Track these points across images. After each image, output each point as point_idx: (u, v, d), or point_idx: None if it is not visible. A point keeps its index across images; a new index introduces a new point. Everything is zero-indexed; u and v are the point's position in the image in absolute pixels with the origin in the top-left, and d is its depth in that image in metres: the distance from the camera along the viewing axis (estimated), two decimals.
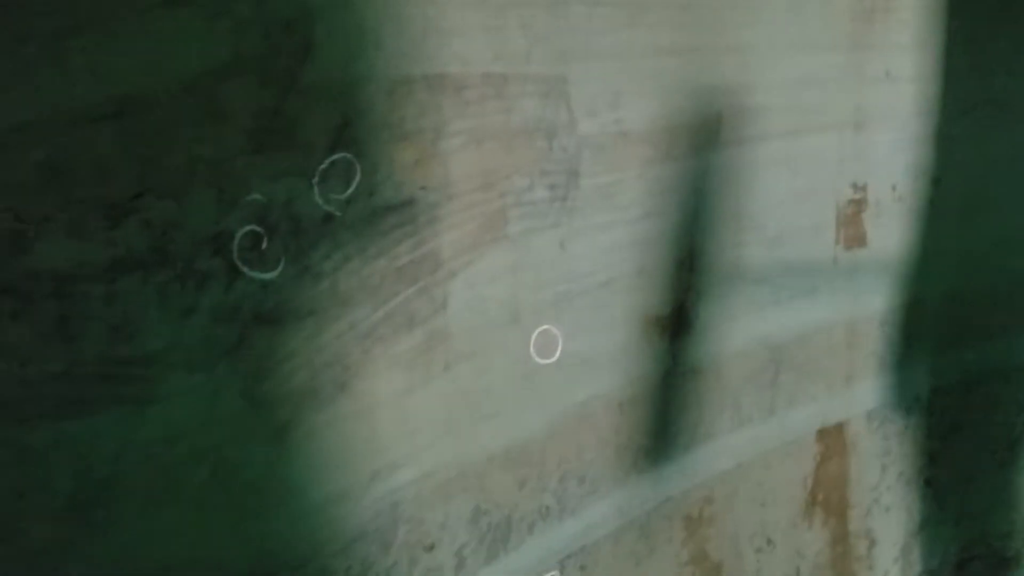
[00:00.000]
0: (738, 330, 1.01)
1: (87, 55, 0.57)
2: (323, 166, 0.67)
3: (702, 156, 0.93)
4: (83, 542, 0.59)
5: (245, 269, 0.65)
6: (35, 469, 0.58)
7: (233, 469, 0.66)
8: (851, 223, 1.09)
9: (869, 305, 1.13)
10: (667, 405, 0.94)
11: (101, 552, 0.60)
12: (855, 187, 1.08)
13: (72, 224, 0.58)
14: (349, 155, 0.69)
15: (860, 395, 1.15)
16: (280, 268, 0.67)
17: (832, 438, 1.13)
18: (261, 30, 0.64)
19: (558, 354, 0.86)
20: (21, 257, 0.56)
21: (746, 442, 1.05)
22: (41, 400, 0.58)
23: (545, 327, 0.84)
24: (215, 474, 0.65)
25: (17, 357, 0.57)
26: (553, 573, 0.89)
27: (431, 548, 0.80)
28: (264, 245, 0.66)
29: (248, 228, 0.65)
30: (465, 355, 0.79)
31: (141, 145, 0.60)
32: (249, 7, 0.63)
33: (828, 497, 1.15)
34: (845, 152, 1.06)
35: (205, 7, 0.61)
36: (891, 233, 1.13)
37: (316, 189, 0.67)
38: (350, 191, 0.69)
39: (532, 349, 0.84)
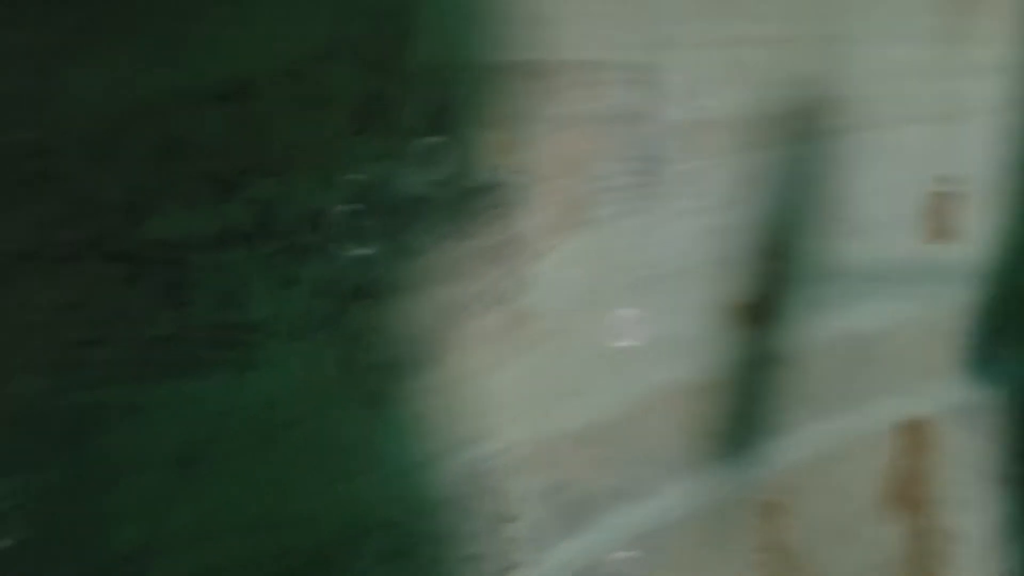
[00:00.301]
0: (822, 321, 1.01)
1: (202, 42, 0.61)
2: (419, 149, 0.70)
3: (790, 146, 0.93)
4: (187, 493, 0.64)
5: (343, 245, 0.68)
6: (148, 424, 0.62)
7: (327, 432, 0.70)
8: (940, 215, 1.08)
9: (956, 299, 1.11)
10: (747, 393, 0.95)
11: (204, 502, 0.65)
12: (944, 179, 1.07)
13: (184, 198, 0.62)
14: (445, 138, 0.72)
15: (944, 390, 1.14)
16: (376, 245, 0.70)
17: (914, 432, 1.12)
18: (364, 18, 0.67)
19: (639, 338, 0.87)
20: (137, 227, 0.60)
21: (826, 434, 1.05)
22: (154, 361, 0.62)
23: (627, 311, 0.86)
24: (310, 436, 0.69)
25: (132, 320, 0.61)
26: (628, 552, 0.91)
27: (511, 520, 0.83)
28: (362, 223, 0.69)
29: (347, 206, 0.68)
30: (548, 335, 0.81)
31: (249, 126, 0.64)
32: None
33: (908, 491, 1.14)
34: (935, 144, 1.05)
35: None
36: (981, 226, 1.11)
37: (412, 171, 0.70)
38: (444, 173, 0.72)
39: (613, 332, 0.85)
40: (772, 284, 0.96)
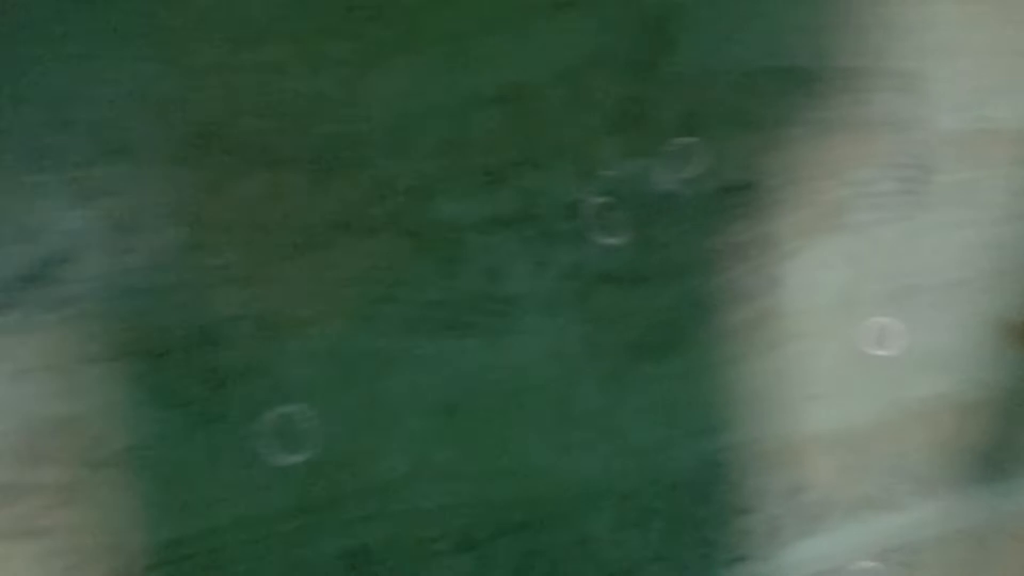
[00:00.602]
0: None
1: (486, 53, 0.72)
2: (671, 148, 0.76)
3: None
4: (448, 435, 0.74)
5: (595, 234, 0.76)
6: (420, 373, 0.73)
7: (569, 402, 0.78)
8: None
9: None
10: (1013, 416, 0.90)
11: (461, 445, 0.75)
12: None
13: (464, 185, 0.73)
14: (696, 139, 0.77)
15: None
16: (625, 235, 0.77)
17: None
18: (630, 28, 0.74)
19: (898, 347, 0.86)
20: (425, 208, 0.72)
21: None
22: (429, 320, 0.73)
23: (884, 319, 0.85)
24: (554, 403, 0.77)
25: (415, 285, 0.73)
26: (872, 563, 0.90)
27: (746, 512, 0.86)
28: (613, 214, 0.76)
29: (601, 199, 0.75)
30: (794, 335, 0.83)
31: (521, 125, 0.73)
32: (620, 7, 0.74)
33: None
34: None
35: (582, 8, 0.73)
36: None
37: (663, 168, 0.77)
38: (694, 171, 0.77)
39: (867, 339, 0.85)
40: None
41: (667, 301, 0.79)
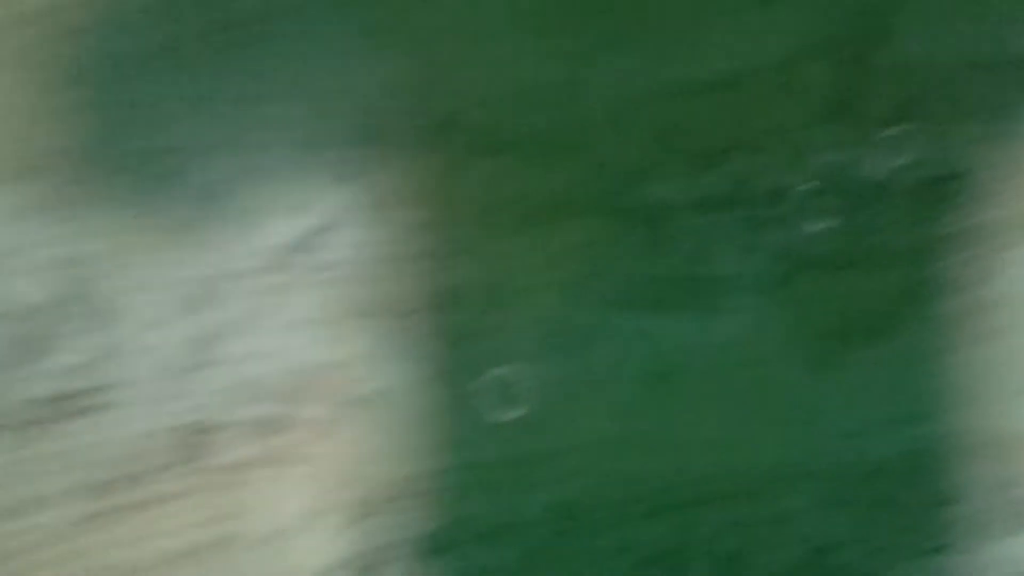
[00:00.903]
0: None
1: (701, 42, 0.76)
2: (882, 137, 0.77)
3: None
4: (649, 405, 0.79)
5: (803, 219, 0.78)
6: (625, 346, 0.79)
7: (772, 381, 0.80)
8: None
9: None
10: None
11: (665, 415, 0.79)
12: None
13: (675, 168, 0.77)
14: (913, 127, 0.78)
15: None
16: (834, 222, 0.79)
17: None
18: (845, 19, 0.76)
19: None
20: (638, 189, 0.77)
21: None
22: (635, 296, 0.78)
23: None
24: (757, 381, 0.80)
25: (624, 263, 0.78)
26: None
27: (949, 503, 0.85)
28: (822, 201, 0.78)
29: (808, 185, 0.78)
30: (1008, 328, 0.82)
31: (733, 111, 0.77)
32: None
33: None
34: None
35: (792, 1, 0.75)
36: None
37: (876, 157, 0.78)
38: (907, 160, 0.78)
39: None
40: None
41: (875, 288, 0.80)
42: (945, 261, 0.80)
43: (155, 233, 0.66)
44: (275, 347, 0.69)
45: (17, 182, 0.63)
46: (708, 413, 0.80)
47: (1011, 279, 0.81)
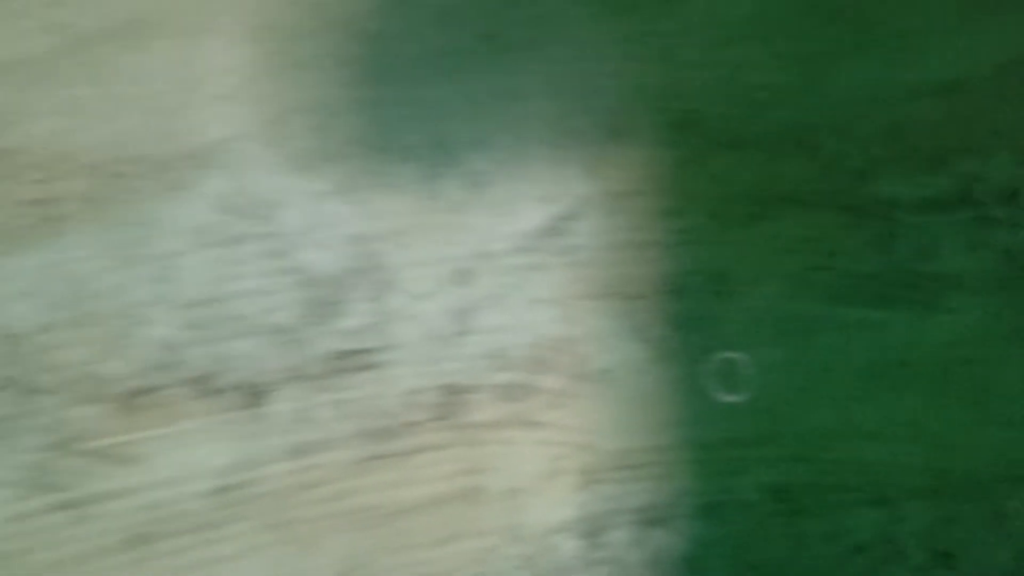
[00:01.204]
0: None
1: (930, 50, 0.78)
2: None
3: None
4: (868, 397, 0.81)
5: None
6: (847, 339, 0.81)
7: (994, 380, 0.81)
8: None
9: None
10: None
11: (881, 409, 0.81)
12: None
13: (902, 168, 0.80)
14: None
15: None
16: None
17: None
18: None
19: None
20: (865, 187, 0.80)
21: None
22: (860, 290, 0.80)
23: None
24: (978, 380, 0.81)
25: (848, 257, 0.81)
26: None
27: None
28: None
29: None
30: None
31: (960, 114, 0.79)
32: None
33: None
34: None
35: (1008, 10, 0.77)
36: None
37: None
38: None
39: None
40: None
41: None
42: None
43: (429, 216, 0.75)
44: (521, 321, 0.77)
45: (320, 168, 0.74)
46: (928, 409, 0.81)
47: None
